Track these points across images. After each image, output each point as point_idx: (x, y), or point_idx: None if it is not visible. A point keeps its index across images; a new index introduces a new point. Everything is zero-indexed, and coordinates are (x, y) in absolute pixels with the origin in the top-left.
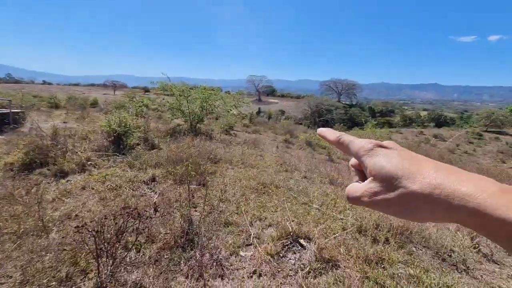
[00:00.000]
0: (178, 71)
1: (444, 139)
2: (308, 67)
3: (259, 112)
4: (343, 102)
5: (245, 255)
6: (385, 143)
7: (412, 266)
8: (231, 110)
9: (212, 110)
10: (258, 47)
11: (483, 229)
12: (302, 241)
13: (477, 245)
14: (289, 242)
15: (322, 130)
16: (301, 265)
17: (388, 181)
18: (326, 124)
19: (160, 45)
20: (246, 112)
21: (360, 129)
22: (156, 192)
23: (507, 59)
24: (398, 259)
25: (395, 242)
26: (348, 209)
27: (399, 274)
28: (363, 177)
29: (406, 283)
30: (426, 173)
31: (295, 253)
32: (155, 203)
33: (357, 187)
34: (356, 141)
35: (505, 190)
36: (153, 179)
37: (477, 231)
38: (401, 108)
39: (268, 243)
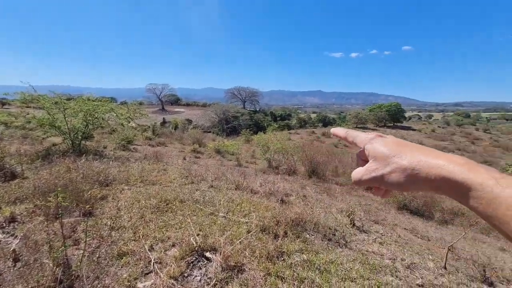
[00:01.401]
0: (59, 78)
1: (330, 136)
2: (212, 76)
3: (163, 122)
4: (248, 109)
5: (144, 286)
6: (384, 135)
7: (306, 252)
8: (129, 122)
9: (100, 124)
10: (157, 53)
11: (456, 194)
12: (207, 254)
13: (352, 221)
14: (194, 258)
15: (334, 130)
16: (208, 280)
17: (384, 160)
18: (234, 130)
19: (28, 44)
20: (148, 123)
21: (263, 133)
22: (16, 237)
23: (363, 71)
24: (295, 248)
25: (292, 234)
26: (253, 211)
27: (295, 263)
28: (365, 164)
29: (301, 268)
30: (413, 153)
31: (200, 268)
32: (14, 250)
33: (359, 170)
34: (362, 134)
35: (468, 161)
36: (12, 220)
37: (454, 198)
38: (296, 112)
39: (171, 265)
